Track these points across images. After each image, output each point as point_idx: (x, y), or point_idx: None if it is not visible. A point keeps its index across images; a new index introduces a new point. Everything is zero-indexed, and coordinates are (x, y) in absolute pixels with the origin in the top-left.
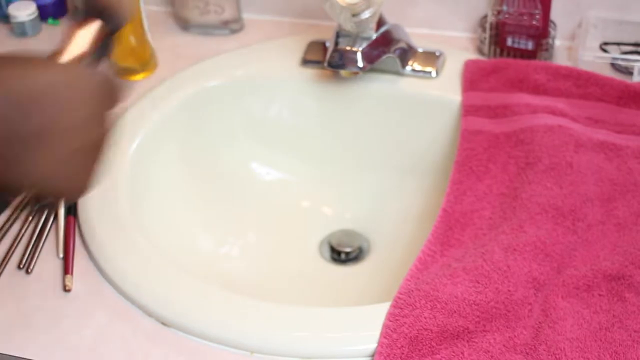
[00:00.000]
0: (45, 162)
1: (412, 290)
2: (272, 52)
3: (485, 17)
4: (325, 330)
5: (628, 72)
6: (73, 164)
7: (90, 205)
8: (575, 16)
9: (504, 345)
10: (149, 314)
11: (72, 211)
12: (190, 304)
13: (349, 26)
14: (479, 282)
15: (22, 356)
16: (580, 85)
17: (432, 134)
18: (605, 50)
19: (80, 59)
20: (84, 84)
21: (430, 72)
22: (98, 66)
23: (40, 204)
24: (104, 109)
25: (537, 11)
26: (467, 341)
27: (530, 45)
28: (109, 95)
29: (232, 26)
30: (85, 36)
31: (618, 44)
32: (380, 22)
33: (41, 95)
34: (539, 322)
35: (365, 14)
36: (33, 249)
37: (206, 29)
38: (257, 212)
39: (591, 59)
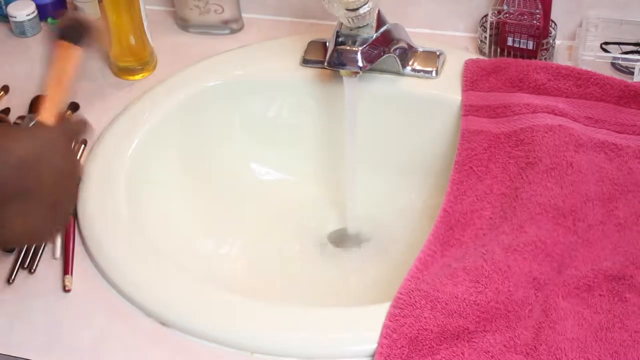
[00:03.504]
0: (27, 218)
1: (412, 290)
2: (272, 52)
3: (486, 16)
4: (325, 330)
5: (629, 71)
6: (48, 216)
7: (90, 205)
8: (575, 16)
9: (504, 346)
10: (149, 314)
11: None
12: (190, 304)
13: (347, 21)
14: (479, 282)
15: (21, 356)
16: (580, 85)
17: (432, 134)
18: (605, 50)
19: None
20: (58, 144)
21: (430, 72)
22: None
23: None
24: (74, 162)
25: (537, 11)
26: (468, 341)
27: (530, 45)
28: (74, 142)
29: (232, 26)
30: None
31: (618, 43)
32: (381, 22)
33: (29, 158)
34: (540, 322)
35: (364, 9)
36: (34, 250)
37: (206, 29)
38: (256, 212)
39: (592, 59)
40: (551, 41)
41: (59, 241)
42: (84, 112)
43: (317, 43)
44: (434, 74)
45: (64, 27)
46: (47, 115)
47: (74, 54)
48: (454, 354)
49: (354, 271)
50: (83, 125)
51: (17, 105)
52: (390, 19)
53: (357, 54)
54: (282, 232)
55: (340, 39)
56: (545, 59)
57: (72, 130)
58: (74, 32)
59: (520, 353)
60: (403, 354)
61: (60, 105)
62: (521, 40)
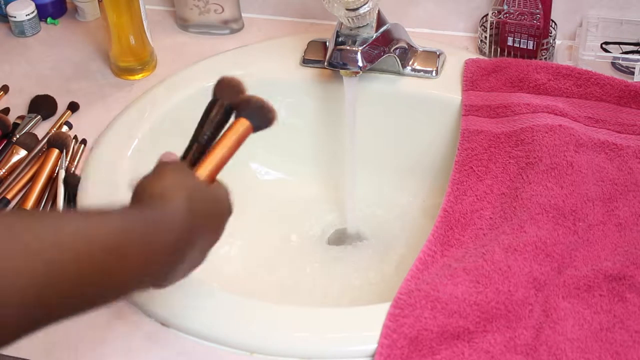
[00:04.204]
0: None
1: (413, 291)
2: (272, 52)
3: (486, 16)
4: (325, 330)
5: (629, 71)
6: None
7: (90, 205)
8: (576, 16)
9: (504, 346)
10: (149, 314)
11: None
12: (190, 304)
13: (347, 21)
14: (479, 283)
15: (21, 356)
16: (580, 84)
17: (432, 133)
18: (606, 50)
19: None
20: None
21: (430, 72)
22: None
23: None
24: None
25: (537, 11)
26: (468, 341)
27: (530, 45)
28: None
29: (232, 25)
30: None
31: (619, 43)
32: (381, 22)
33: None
34: (540, 323)
35: (364, 9)
36: None
37: (206, 29)
38: (256, 212)
39: (592, 59)
40: (551, 41)
41: None
42: (84, 112)
43: (317, 43)
44: (434, 73)
45: (250, 106)
46: (203, 172)
47: (246, 133)
48: (454, 354)
49: (354, 271)
50: (229, 208)
51: (17, 105)
52: (390, 19)
53: (357, 54)
54: (282, 232)
55: (340, 39)
56: (545, 58)
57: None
58: (257, 116)
59: (520, 353)
60: (403, 354)
61: (216, 169)
62: (521, 40)
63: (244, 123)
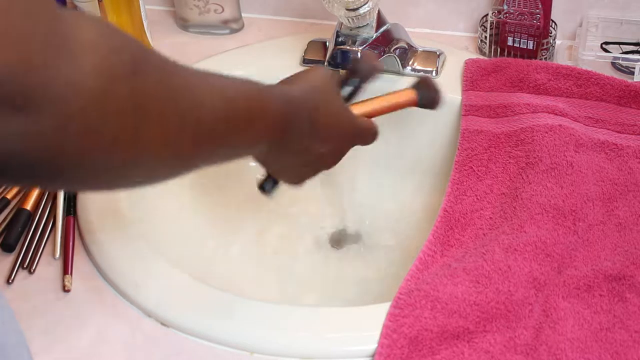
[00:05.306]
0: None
1: (412, 291)
2: (272, 52)
3: (486, 16)
4: (325, 330)
5: (629, 71)
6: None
7: (90, 205)
8: (576, 16)
9: (504, 346)
10: (149, 314)
11: (71, 211)
12: (190, 304)
13: (347, 21)
14: (479, 283)
15: None
16: (580, 84)
17: (432, 133)
18: (606, 50)
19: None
20: (349, 116)
21: (430, 72)
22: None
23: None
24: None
25: (537, 11)
26: (468, 341)
27: (530, 45)
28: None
29: (232, 25)
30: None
31: (619, 43)
32: (381, 22)
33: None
34: (540, 323)
35: (364, 9)
36: (35, 249)
37: (206, 29)
38: (256, 212)
39: (592, 59)
40: (551, 41)
41: (58, 241)
42: None
43: (317, 43)
44: (434, 73)
45: (423, 84)
46: (356, 109)
47: (409, 100)
48: (454, 354)
49: (354, 271)
50: (373, 135)
51: None
52: (390, 19)
53: (357, 54)
54: (282, 232)
55: (340, 39)
56: (545, 58)
57: (361, 132)
58: (427, 91)
59: (520, 353)
60: (403, 354)
61: (366, 114)
62: (521, 40)
63: (410, 93)
